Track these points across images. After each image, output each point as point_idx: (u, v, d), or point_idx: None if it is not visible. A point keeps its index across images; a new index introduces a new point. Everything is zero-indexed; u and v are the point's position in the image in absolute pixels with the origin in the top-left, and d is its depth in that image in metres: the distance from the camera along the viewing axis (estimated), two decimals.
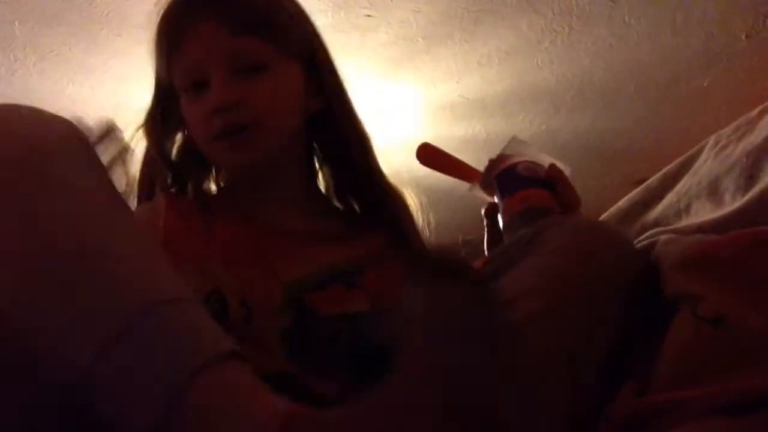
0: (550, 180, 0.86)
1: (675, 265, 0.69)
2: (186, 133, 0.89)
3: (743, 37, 2.50)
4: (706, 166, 0.84)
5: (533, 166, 0.87)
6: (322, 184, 0.95)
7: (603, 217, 1.03)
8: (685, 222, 0.85)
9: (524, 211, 0.81)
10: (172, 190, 0.90)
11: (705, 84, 2.83)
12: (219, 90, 0.79)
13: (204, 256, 0.80)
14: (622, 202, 1.01)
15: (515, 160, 0.86)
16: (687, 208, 0.86)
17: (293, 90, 0.85)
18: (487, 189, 0.89)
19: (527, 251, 0.69)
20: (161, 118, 0.89)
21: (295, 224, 0.87)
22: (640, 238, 0.88)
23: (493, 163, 0.88)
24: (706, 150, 0.86)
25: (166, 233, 0.81)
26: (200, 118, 0.82)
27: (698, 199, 0.83)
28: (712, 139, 0.85)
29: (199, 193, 0.92)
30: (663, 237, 0.76)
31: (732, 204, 0.75)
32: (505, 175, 0.86)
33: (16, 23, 2.18)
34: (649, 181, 0.97)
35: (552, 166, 0.87)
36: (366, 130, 0.92)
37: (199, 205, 0.87)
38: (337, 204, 0.95)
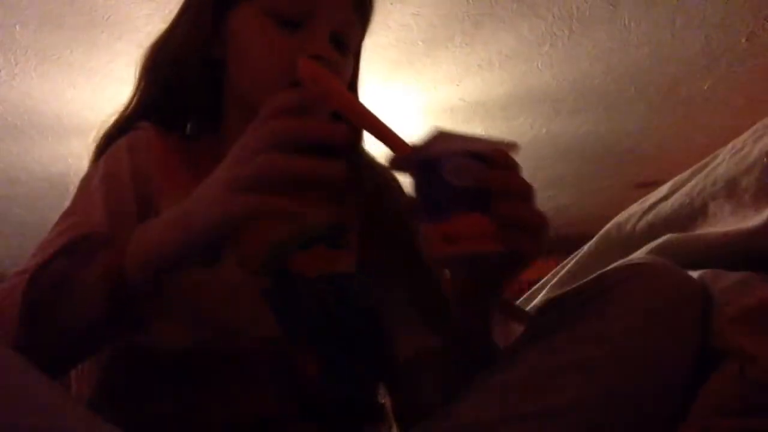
0: (488, 189, 0.57)
1: (728, 315, 0.62)
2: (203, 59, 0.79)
3: (743, 39, 2.50)
4: (721, 167, 0.81)
5: (462, 164, 0.57)
6: None
7: (611, 223, 1.01)
8: (702, 225, 0.82)
9: (451, 259, 0.58)
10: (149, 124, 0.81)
11: (705, 87, 2.83)
12: (326, 42, 0.75)
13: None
14: (632, 208, 0.99)
15: (448, 146, 0.58)
16: (703, 209, 0.82)
17: (350, 76, 0.83)
18: (404, 171, 0.62)
19: (593, 306, 0.61)
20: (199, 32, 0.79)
21: None
22: (651, 246, 0.85)
23: (427, 146, 0.59)
24: (721, 155, 0.83)
25: (156, 169, 0.76)
26: (285, 52, 0.73)
27: (715, 200, 0.80)
28: (729, 146, 0.83)
29: (189, 131, 0.85)
30: (708, 273, 0.69)
31: (754, 205, 0.73)
32: (428, 169, 0.58)
33: (17, 27, 2.18)
34: (659, 189, 0.95)
35: (498, 155, 0.59)
36: None
37: (185, 149, 0.81)
38: None
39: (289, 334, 0.73)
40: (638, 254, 0.90)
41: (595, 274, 0.64)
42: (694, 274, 0.68)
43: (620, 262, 0.69)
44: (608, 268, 0.65)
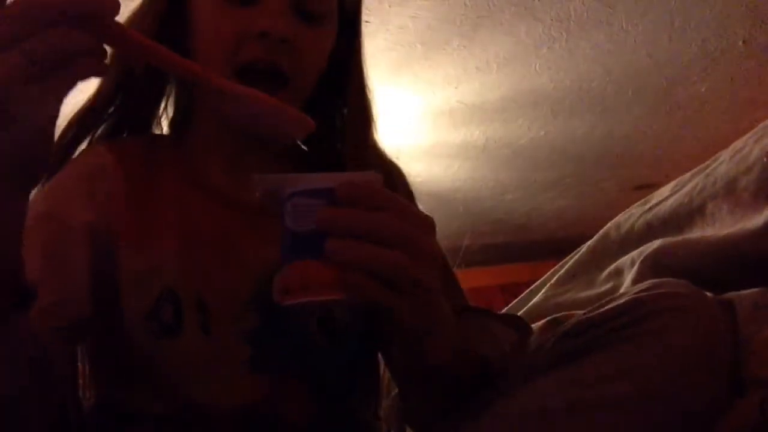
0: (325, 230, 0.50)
1: (753, 346, 0.59)
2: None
3: (740, 42, 2.50)
4: (721, 167, 0.81)
5: (297, 205, 0.51)
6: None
7: (610, 223, 1.01)
8: (700, 224, 0.82)
9: (291, 310, 0.53)
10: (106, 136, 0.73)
11: (702, 89, 2.83)
12: (278, 15, 0.65)
13: (154, 241, 0.68)
14: (632, 208, 0.98)
15: (293, 187, 0.52)
16: (701, 209, 0.82)
17: (328, 50, 0.73)
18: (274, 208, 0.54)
19: (625, 339, 0.57)
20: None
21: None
22: (646, 252, 0.85)
23: (274, 189, 0.53)
24: (722, 156, 0.83)
25: (116, 204, 0.68)
26: (231, 31, 0.66)
27: (714, 200, 0.80)
28: (729, 147, 0.82)
29: (147, 139, 0.75)
30: (734, 298, 0.66)
31: (753, 204, 0.72)
32: (284, 212, 0.53)
33: None
34: (661, 190, 0.94)
35: (342, 189, 0.51)
36: (370, 101, 0.80)
37: (145, 154, 0.72)
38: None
39: (280, 374, 0.68)
40: (634, 256, 0.90)
41: (627, 298, 0.60)
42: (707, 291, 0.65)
43: (651, 284, 0.62)
44: (640, 291, 0.61)
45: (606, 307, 0.60)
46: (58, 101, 0.43)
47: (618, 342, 0.57)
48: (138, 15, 0.74)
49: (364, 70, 0.80)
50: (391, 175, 0.80)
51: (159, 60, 0.50)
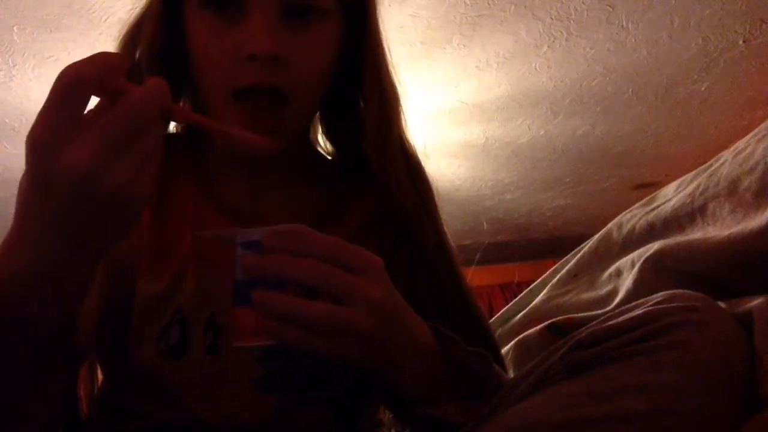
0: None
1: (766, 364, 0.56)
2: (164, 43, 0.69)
3: (741, 41, 2.50)
4: (724, 168, 0.80)
5: (241, 254, 0.55)
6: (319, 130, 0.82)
7: (612, 223, 1.00)
8: (701, 225, 0.81)
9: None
10: None
11: (703, 88, 2.83)
12: (265, 31, 0.62)
13: (170, 262, 0.67)
14: (634, 208, 0.97)
15: (249, 235, 0.55)
16: (702, 209, 0.81)
17: (332, 48, 0.69)
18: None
19: (639, 353, 0.55)
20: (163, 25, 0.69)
21: (272, 201, 0.73)
22: (646, 255, 0.84)
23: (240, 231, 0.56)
24: (724, 156, 0.82)
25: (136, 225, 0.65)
26: (222, 54, 0.64)
27: (715, 200, 0.79)
28: (731, 147, 0.81)
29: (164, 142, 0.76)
30: (755, 303, 0.63)
31: (755, 203, 0.72)
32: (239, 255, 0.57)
33: (15, 29, 2.18)
34: (664, 190, 0.93)
35: (270, 241, 0.54)
36: (393, 91, 0.78)
37: (163, 163, 0.73)
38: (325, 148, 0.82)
39: (290, 393, 0.68)
40: (634, 257, 0.89)
41: (643, 310, 0.58)
42: (723, 303, 0.63)
43: (665, 296, 0.60)
44: (655, 303, 0.59)
45: (620, 319, 0.58)
46: (152, 179, 0.46)
47: (633, 356, 0.55)
48: (146, 30, 0.72)
49: (384, 60, 0.77)
50: (403, 174, 0.77)
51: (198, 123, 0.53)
